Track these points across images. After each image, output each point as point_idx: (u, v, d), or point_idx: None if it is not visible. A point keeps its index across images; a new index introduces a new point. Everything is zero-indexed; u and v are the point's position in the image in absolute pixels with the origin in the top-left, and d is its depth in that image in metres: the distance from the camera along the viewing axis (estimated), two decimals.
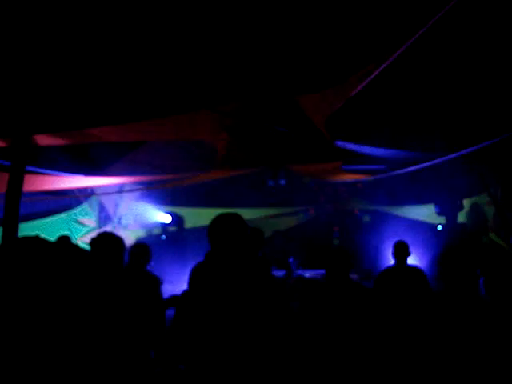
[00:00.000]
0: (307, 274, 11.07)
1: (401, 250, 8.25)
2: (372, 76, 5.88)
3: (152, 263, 7.47)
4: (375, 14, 5.80)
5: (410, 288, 8.00)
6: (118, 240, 4.79)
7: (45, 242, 3.39)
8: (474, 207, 12.28)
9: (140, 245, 7.63)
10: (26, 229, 5.15)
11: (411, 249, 8.32)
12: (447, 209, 12.04)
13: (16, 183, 4.22)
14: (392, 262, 8.45)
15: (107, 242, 4.62)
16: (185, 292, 4.73)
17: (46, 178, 8.49)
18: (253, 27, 6.36)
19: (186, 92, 7.39)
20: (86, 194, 11.71)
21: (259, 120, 7.95)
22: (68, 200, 11.88)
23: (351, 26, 6.13)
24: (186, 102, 7.33)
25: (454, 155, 7.14)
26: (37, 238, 3.38)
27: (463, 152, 6.90)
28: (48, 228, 10.57)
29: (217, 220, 4.23)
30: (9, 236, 4.09)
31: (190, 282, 4.24)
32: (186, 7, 6.16)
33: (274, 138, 8.76)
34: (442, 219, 12.36)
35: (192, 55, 6.87)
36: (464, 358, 4.43)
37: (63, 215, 11.94)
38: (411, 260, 8.49)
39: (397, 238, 8.48)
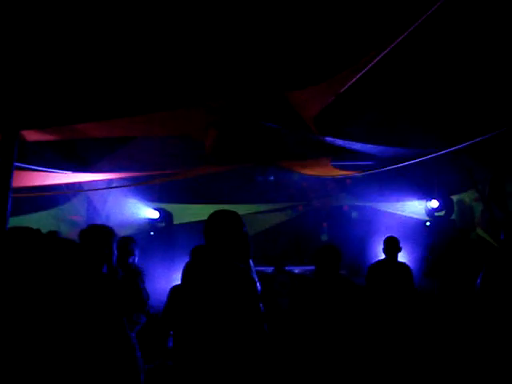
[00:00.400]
0: (296, 270, 11.08)
1: (391, 246, 8.30)
2: (361, 72, 5.89)
3: (136, 257, 7.48)
4: (364, 10, 5.81)
5: (399, 284, 8.07)
6: (109, 231, 4.76)
7: (36, 232, 3.38)
8: (462, 203, 12.33)
9: (123, 238, 7.64)
10: (15, 224, 5.11)
11: (400, 245, 8.38)
12: (442, 204, 12.10)
13: (5, 179, 4.20)
14: (381, 257, 8.50)
15: (97, 233, 4.47)
16: (175, 287, 4.74)
17: (34, 174, 8.46)
18: (241, 23, 6.35)
19: (173, 88, 7.37)
20: (73, 190, 11.66)
21: (248, 116, 7.94)
22: (56, 196, 11.82)
23: (340, 23, 6.13)
24: (174, 98, 7.31)
25: (442, 152, 7.17)
26: (28, 229, 3.38)
27: (452, 149, 6.93)
28: (36, 224, 10.51)
29: (214, 216, 4.29)
30: None
31: (182, 278, 4.27)
32: (175, 5, 6.14)
33: (263, 133, 8.75)
34: (427, 214, 12.41)
35: (180, 51, 6.85)
36: (452, 353, 4.46)
37: (51, 211, 11.89)
38: (400, 256, 8.54)
39: (386, 234, 8.52)
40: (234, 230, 4.26)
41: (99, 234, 4.50)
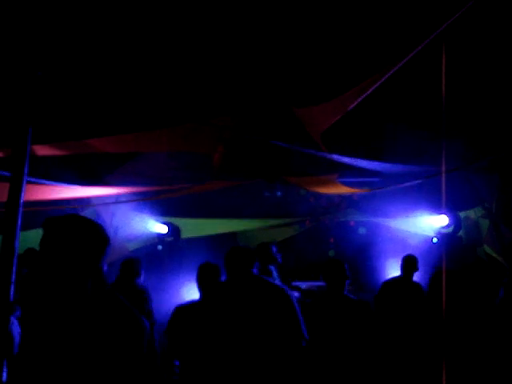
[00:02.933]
0: (303, 286, 11.07)
1: (409, 264, 8.32)
2: (370, 90, 5.93)
3: (142, 277, 7.54)
4: (373, 29, 5.86)
5: (411, 303, 8.05)
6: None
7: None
8: (469, 220, 12.31)
9: (129, 259, 7.74)
10: (25, 237, 5.15)
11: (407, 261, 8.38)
12: (451, 221, 12.07)
13: (15, 194, 4.24)
14: (390, 274, 8.50)
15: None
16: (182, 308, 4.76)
17: (43, 188, 8.51)
18: (250, 41, 6.41)
19: (182, 104, 7.42)
20: (82, 204, 11.70)
21: (256, 132, 7.99)
22: (64, 210, 11.87)
23: (349, 41, 6.19)
24: (183, 114, 7.36)
25: (450, 171, 7.19)
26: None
27: (460, 168, 6.95)
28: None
29: (232, 252, 4.51)
30: (8, 244, 4.11)
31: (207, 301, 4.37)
32: (182, 21, 6.20)
33: (271, 149, 8.79)
34: (434, 231, 12.38)
35: (190, 68, 6.91)
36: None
37: None
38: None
39: (393, 250, 8.54)
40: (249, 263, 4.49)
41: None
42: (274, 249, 7.95)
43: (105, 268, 4.16)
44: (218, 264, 6.02)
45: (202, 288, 5.83)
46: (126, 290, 7.03)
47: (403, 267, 8.41)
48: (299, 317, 4.37)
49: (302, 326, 4.32)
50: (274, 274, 7.89)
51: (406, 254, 8.59)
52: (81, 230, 2.73)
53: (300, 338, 4.28)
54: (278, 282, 4.75)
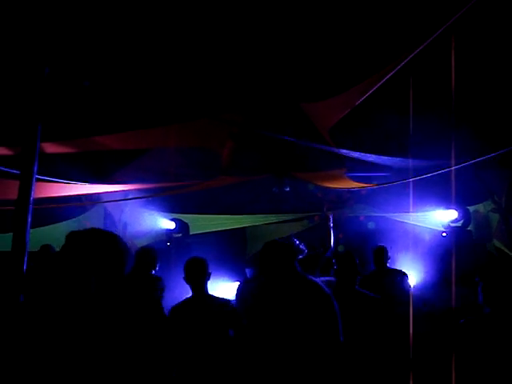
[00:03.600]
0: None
1: (378, 255, 8.31)
2: (377, 85, 5.91)
3: (157, 268, 7.52)
4: (379, 25, 5.84)
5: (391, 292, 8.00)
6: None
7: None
8: (478, 214, 12.28)
9: (145, 249, 7.69)
10: (35, 235, 5.15)
11: (416, 255, 8.36)
12: (460, 215, 12.04)
13: (25, 191, 4.25)
14: (400, 268, 8.48)
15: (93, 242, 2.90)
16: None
17: (52, 185, 8.53)
18: (258, 38, 6.40)
19: (190, 100, 7.42)
20: (91, 201, 11.73)
21: (264, 128, 7.98)
22: (73, 207, 11.90)
23: (357, 36, 6.17)
24: (191, 110, 7.35)
25: (460, 165, 7.15)
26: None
27: (470, 162, 6.91)
28: (54, 235, 10.61)
29: (267, 248, 4.39)
30: (19, 242, 4.13)
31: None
32: (192, 17, 6.20)
33: (279, 145, 8.78)
34: (444, 225, 12.35)
35: (198, 64, 6.91)
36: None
37: (69, 222, 11.97)
38: (416, 266, 8.53)
39: (403, 244, 8.52)
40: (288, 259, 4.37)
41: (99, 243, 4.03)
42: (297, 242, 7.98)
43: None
44: (205, 258, 6.06)
45: (190, 284, 5.85)
46: (141, 280, 7.01)
47: (374, 259, 8.41)
48: (339, 319, 4.31)
49: (340, 329, 4.28)
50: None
51: (374, 245, 8.63)
52: (103, 244, 2.77)
53: (338, 341, 4.23)
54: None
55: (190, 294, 5.81)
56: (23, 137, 4.49)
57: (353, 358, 5.29)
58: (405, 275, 8.36)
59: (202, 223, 13.12)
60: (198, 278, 5.77)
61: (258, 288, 4.40)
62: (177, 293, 7.79)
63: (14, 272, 3.94)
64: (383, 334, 5.45)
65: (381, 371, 5.36)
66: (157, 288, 7.34)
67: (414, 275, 9.78)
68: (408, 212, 12.79)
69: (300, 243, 7.58)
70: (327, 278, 7.46)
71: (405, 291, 8.10)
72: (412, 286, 8.89)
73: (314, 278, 4.38)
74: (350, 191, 13.07)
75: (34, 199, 4.35)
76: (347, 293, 5.63)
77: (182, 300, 5.82)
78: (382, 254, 8.40)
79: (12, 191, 4.74)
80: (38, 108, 4.53)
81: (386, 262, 8.42)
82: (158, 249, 12.60)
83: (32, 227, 4.31)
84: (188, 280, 5.82)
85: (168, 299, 7.67)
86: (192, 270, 5.80)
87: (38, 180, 6.44)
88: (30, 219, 4.24)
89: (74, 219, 12.17)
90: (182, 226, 13.03)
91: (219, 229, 12.90)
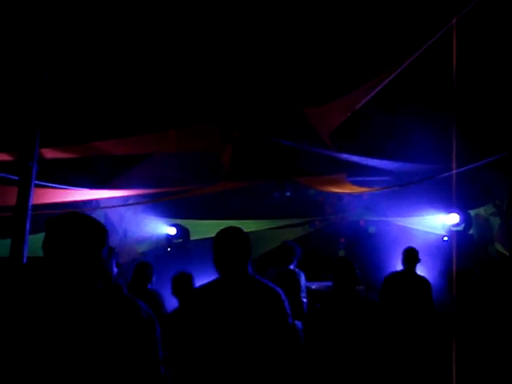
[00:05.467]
0: (313, 286, 11.03)
1: (410, 257, 8.25)
2: (378, 89, 5.90)
3: (153, 280, 7.56)
4: (379, 29, 5.83)
5: (417, 298, 8.01)
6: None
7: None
8: (480, 218, 12.25)
9: (143, 263, 7.74)
10: (33, 241, 5.13)
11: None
12: (461, 219, 12.01)
13: (24, 198, 4.24)
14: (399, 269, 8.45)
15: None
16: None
17: (51, 191, 8.51)
18: (257, 42, 6.39)
19: (190, 105, 7.41)
20: (90, 207, 11.71)
21: (264, 132, 7.97)
22: None
23: (356, 40, 6.15)
24: (191, 115, 7.35)
25: (461, 169, 7.14)
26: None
27: (471, 166, 6.90)
28: None
29: (222, 234, 4.22)
30: (17, 247, 4.11)
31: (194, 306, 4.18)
32: (190, 22, 6.19)
33: (280, 149, 8.77)
34: (445, 229, 12.32)
35: (197, 69, 6.90)
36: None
37: None
38: (417, 270, 8.49)
39: (403, 249, 8.47)
40: (244, 248, 4.20)
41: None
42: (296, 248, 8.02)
43: (115, 270, 4.11)
44: (191, 274, 6.76)
45: (178, 297, 6.57)
46: (139, 293, 7.04)
47: (404, 260, 8.34)
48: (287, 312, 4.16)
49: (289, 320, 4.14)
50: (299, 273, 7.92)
51: (406, 246, 8.51)
52: (80, 224, 2.80)
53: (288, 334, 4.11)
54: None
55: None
56: (22, 142, 4.48)
57: (350, 362, 5.28)
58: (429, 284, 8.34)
59: (203, 229, 13.08)
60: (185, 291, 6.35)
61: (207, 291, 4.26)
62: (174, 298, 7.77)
63: (12, 277, 3.93)
64: (381, 339, 5.42)
65: (378, 375, 5.33)
66: (161, 304, 7.37)
67: None
68: (409, 216, 12.78)
69: (295, 246, 7.58)
70: (328, 284, 7.46)
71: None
72: None
73: (262, 279, 4.21)
74: (351, 195, 13.06)
75: (32, 205, 4.34)
76: (345, 298, 5.61)
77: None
78: (415, 257, 8.33)
79: (11, 197, 4.73)
80: (37, 114, 4.52)
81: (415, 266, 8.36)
82: (159, 254, 12.62)
83: (31, 233, 4.30)
84: (175, 292, 6.60)
85: (170, 303, 7.65)
86: (179, 284, 6.57)
87: (37, 186, 6.43)
88: (28, 225, 4.23)
89: None
90: (182, 231, 13.01)
91: None
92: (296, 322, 5.05)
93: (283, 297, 4.09)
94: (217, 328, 3.95)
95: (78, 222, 2.82)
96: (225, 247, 4.13)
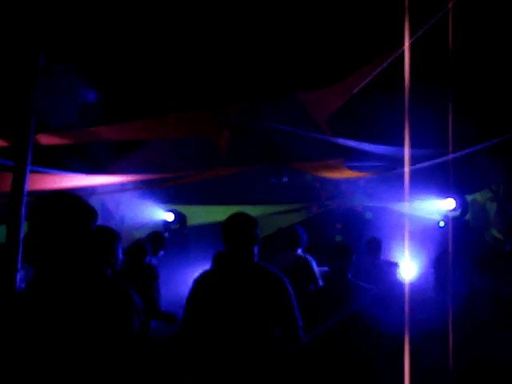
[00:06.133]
0: None
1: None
2: (375, 72, 5.87)
3: (148, 257, 7.57)
4: (377, 12, 5.80)
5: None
6: (112, 233, 4.08)
7: None
8: (476, 203, 12.26)
9: (135, 244, 7.77)
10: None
11: (415, 245, 8.34)
12: (458, 205, 12.00)
13: (19, 183, 4.22)
14: (397, 258, 8.47)
15: (99, 235, 3.31)
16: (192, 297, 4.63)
17: (48, 177, 8.49)
18: (254, 27, 6.36)
19: (187, 90, 7.39)
20: (87, 193, 11.69)
21: (261, 117, 7.95)
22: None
23: (353, 24, 6.13)
24: (188, 101, 7.33)
25: (458, 154, 7.13)
26: None
27: (467, 151, 6.89)
28: None
29: (229, 220, 4.27)
30: (12, 234, 4.10)
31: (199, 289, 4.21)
32: (189, 10, 6.16)
33: (277, 135, 8.76)
34: (441, 215, 12.33)
35: (194, 54, 6.87)
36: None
37: None
38: (414, 256, 8.52)
39: (400, 234, 8.47)
40: (254, 233, 4.23)
41: (102, 236, 3.92)
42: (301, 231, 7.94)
43: (120, 256, 4.10)
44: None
45: None
46: (135, 270, 7.09)
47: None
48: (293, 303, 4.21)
49: (296, 314, 4.19)
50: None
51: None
52: (65, 203, 2.80)
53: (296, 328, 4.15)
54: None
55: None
56: (17, 127, 4.46)
57: (344, 348, 5.30)
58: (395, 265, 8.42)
59: (200, 214, 13.08)
60: None
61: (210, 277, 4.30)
62: (172, 283, 7.78)
63: (7, 264, 3.92)
64: (374, 323, 5.44)
65: (372, 359, 5.37)
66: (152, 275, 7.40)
67: (412, 265, 9.77)
68: (405, 201, 12.78)
69: (302, 231, 7.52)
70: (322, 268, 7.46)
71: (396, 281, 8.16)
72: (410, 276, 8.89)
73: (268, 267, 4.23)
74: (348, 181, 13.06)
75: (28, 191, 4.32)
76: (340, 283, 5.64)
77: None
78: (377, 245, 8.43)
79: (6, 183, 4.71)
80: (31, 98, 4.49)
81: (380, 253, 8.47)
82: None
83: (26, 220, 4.29)
84: None
85: (167, 289, 7.67)
86: None
87: (33, 171, 6.42)
88: (24, 211, 4.21)
89: None
90: (179, 217, 13.00)
91: (217, 219, 12.87)
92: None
93: (287, 283, 4.13)
94: (217, 310, 3.98)
95: (61, 201, 2.82)
96: (230, 232, 4.22)
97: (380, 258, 8.55)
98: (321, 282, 7.64)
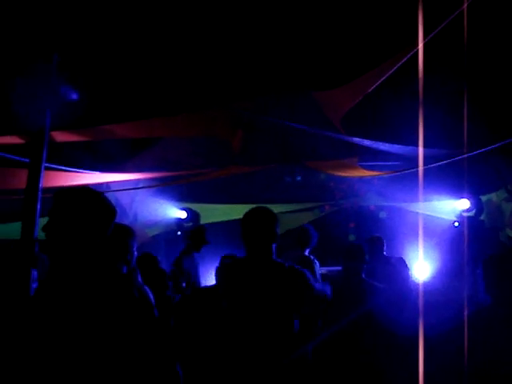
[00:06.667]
0: (323, 271, 11.02)
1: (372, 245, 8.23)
2: (390, 72, 5.85)
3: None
4: (391, 11, 5.78)
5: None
6: (128, 231, 4.07)
7: None
8: (491, 203, 12.19)
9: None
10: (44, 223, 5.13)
11: (428, 245, 8.29)
12: (473, 205, 11.93)
13: (34, 180, 4.24)
14: (411, 257, 8.40)
15: (114, 232, 2.98)
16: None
17: (62, 174, 8.54)
18: (268, 27, 6.35)
19: (201, 89, 7.39)
20: (101, 190, 11.72)
21: (275, 116, 7.94)
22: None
23: (367, 23, 6.10)
24: (201, 100, 7.33)
25: (473, 153, 7.08)
26: None
27: (482, 150, 6.84)
28: None
29: (250, 214, 4.23)
30: (28, 231, 4.12)
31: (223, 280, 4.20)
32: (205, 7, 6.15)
33: (290, 134, 8.74)
34: (456, 215, 12.26)
35: (208, 53, 6.86)
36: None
37: None
38: (428, 256, 8.47)
39: (414, 234, 8.42)
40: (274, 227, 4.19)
41: (117, 233, 3.94)
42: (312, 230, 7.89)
43: (135, 253, 4.09)
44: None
45: None
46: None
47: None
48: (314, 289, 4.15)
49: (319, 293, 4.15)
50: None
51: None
52: (89, 200, 2.76)
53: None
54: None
55: None
56: (32, 124, 4.48)
57: (357, 348, 5.29)
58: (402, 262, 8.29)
59: (213, 213, 13.08)
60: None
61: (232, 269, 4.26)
62: None
63: (23, 259, 3.94)
64: (388, 323, 5.42)
65: (385, 360, 5.35)
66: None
67: (426, 265, 9.73)
68: (419, 201, 12.73)
69: (313, 231, 7.45)
70: (338, 268, 7.44)
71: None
72: (424, 276, 8.84)
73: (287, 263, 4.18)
74: (361, 180, 13.02)
75: (43, 188, 4.34)
76: (354, 282, 5.63)
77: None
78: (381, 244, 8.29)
79: (23, 180, 4.73)
80: (47, 96, 4.51)
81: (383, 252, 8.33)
82: (169, 238, 12.67)
83: (41, 216, 4.30)
84: None
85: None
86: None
87: (48, 169, 6.45)
88: (39, 207, 4.23)
89: None
90: (192, 215, 13.01)
91: (229, 218, 12.86)
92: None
93: (308, 275, 4.10)
94: (236, 304, 3.97)
95: (85, 196, 2.80)
96: (248, 227, 4.16)
97: (383, 256, 8.36)
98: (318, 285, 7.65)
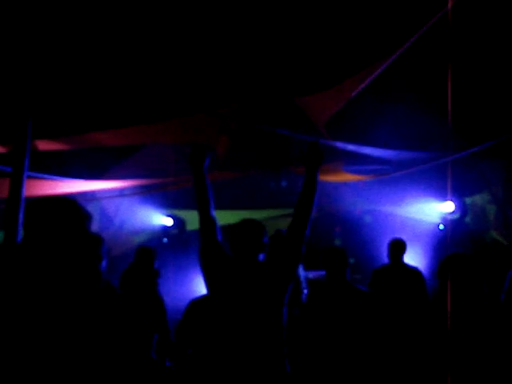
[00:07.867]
0: (310, 275, 11.01)
1: (396, 249, 8.12)
2: (373, 76, 5.87)
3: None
4: (375, 15, 5.80)
5: (407, 290, 7.88)
6: (97, 239, 4.09)
7: None
8: (475, 206, 12.24)
9: (144, 248, 7.66)
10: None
11: (413, 248, 8.26)
12: (457, 207, 11.98)
13: (16, 189, 4.21)
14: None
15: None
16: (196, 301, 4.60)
17: (46, 182, 8.47)
18: (251, 32, 6.35)
19: (184, 96, 7.38)
20: (86, 198, 11.67)
21: (259, 122, 7.94)
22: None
23: (351, 28, 6.12)
24: (185, 106, 7.32)
25: (456, 155, 7.11)
26: None
27: (465, 153, 6.87)
28: None
29: (241, 226, 4.26)
30: (10, 240, 4.09)
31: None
32: (187, 13, 6.15)
33: (274, 139, 8.74)
34: (440, 217, 12.31)
35: (191, 59, 6.86)
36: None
37: None
38: (413, 259, 8.44)
39: (400, 238, 8.38)
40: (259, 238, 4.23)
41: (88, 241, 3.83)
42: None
43: (103, 263, 4.07)
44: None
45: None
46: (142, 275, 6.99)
47: (390, 252, 8.14)
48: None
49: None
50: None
51: (392, 237, 8.36)
52: (59, 207, 2.77)
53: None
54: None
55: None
56: (14, 133, 4.45)
57: (340, 350, 5.27)
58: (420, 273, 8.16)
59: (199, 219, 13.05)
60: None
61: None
62: (172, 288, 7.74)
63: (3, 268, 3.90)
64: (372, 328, 5.42)
65: (368, 363, 5.33)
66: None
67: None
68: (405, 205, 12.76)
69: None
70: (319, 272, 7.43)
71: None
72: None
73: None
74: (347, 185, 13.04)
75: (26, 197, 4.30)
76: (337, 286, 5.62)
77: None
78: (401, 248, 8.14)
79: (4, 190, 4.70)
80: (28, 103, 4.48)
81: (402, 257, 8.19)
82: (155, 245, 12.60)
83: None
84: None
85: (166, 294, 7.63)
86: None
87: (31, 177, 6.41)
88: (21, 217, 4.20)
89: None
90: (178, 222, 12.99)
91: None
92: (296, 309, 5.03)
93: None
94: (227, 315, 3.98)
95: (54, 205, 2.78)
96: (238, 239, 4.22)
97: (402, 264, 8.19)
98: (305, 289, 7.64)
